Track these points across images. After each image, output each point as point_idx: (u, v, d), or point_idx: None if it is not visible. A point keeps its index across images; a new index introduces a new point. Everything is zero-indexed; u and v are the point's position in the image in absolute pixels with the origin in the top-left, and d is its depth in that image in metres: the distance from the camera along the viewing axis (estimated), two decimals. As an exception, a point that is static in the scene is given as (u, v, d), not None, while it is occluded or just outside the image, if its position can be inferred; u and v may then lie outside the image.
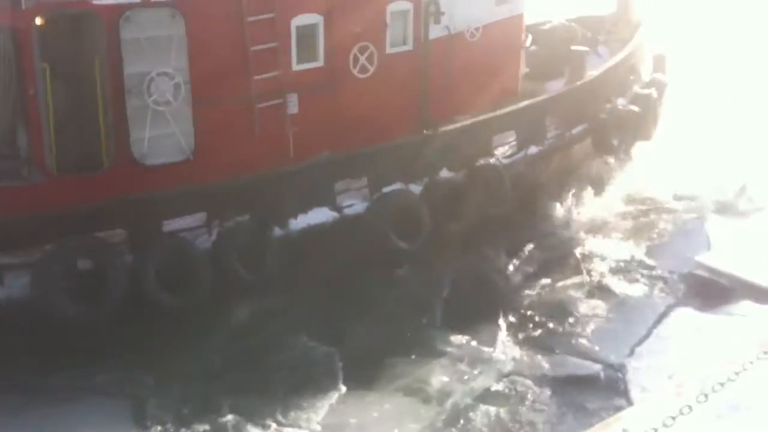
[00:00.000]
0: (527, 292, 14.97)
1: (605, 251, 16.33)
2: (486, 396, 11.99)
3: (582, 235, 17.12)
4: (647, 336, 13.43)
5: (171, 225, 12.83)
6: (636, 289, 15.02)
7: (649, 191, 19.53)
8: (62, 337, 11.52)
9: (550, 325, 13.90)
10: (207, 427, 11.22)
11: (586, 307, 14.44)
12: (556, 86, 19.04)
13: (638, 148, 20.37)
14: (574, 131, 17.82)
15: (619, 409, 11.33)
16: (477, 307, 14.35)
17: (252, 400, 11.65)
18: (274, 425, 11.34)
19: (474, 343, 13.22)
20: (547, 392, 12.11)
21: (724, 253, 15.87)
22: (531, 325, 13.90)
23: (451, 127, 15.79)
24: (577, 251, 16.38)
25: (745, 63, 29.38)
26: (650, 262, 15.96)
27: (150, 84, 12.81)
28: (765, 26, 33.15)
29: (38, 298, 11.50)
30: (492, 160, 15.83)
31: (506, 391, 12.15)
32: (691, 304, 14.50)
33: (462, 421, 11.46)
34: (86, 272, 12.03)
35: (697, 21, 32.85)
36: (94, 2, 12.52)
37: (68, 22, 12.17)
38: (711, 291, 14.80)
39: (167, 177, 13.02)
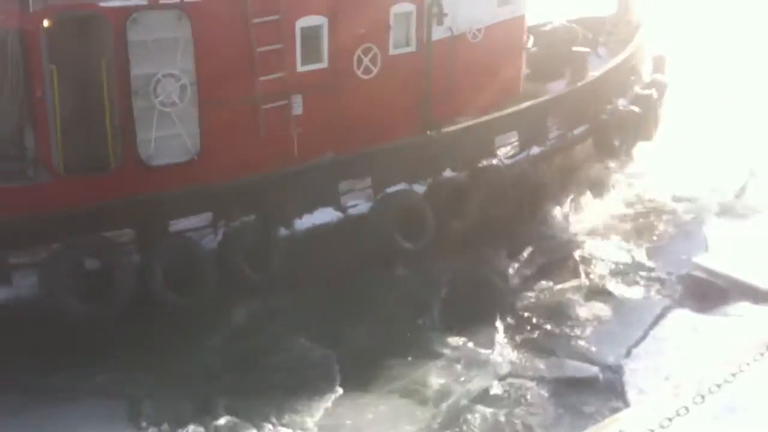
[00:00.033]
0: (525, 293, 14.97)
1: (603, 253, 16.37)
2: (482, 398, 11.97)
3: (580, 236, 17.15)
4: (644, 337, 13.41)
5: (177, 225, 12.91)
6: (633, 291, 15.05)
7: (648, 193, 19.60)
8: (62, 337, 11.59)
9: (548, 326, 13.89)
10: (203, 427, 11.24)
11: (584, 308, 14.45)
12: (557, 87, 19.14)
13: (639, 149, 20.50)
14: (575, 132, 17.92)
15: (615, 410, 11.36)
16: (475, 308, 14.35)
17: (249, 401, 11.67)
18: (269, 426, 11.36)
19: (471, 344, 13.22)
20: (544, 394, 12.10)
21: (722, 254, 15.89)
22: (528, 327, 13.90)
23: (453, 127, 15.89)
24: (576, 253, 16.41)
25: (744, 63, 29.46)
26: (648, 263, 16.00)
27: (156, 85, 12.91)
28: (763, 27, 33.24)
29: (46, 298, 11.58)
30: (495, 161, 15.91)
31: (503, 392, 12.13)
32: (688, 305, 14.50)
33: (458, 423, 11.44)
34: (93, 272, 12.11)
35: (696, 22, 32.94)
36: (101, 4, 12.63)
37: (75, 25, 12.25)
38: (708, 292, 14.80)
39: (173, 177, 13.11)
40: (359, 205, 14.48)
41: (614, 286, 15.19)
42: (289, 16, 14.17)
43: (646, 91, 19.78)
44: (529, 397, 12.03)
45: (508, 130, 16.66)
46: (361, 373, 12.37)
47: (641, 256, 16.29)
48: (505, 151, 16.63)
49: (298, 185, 13.84)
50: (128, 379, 12.09)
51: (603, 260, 16.10)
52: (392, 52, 15.70)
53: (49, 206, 12.06)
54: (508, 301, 14.69)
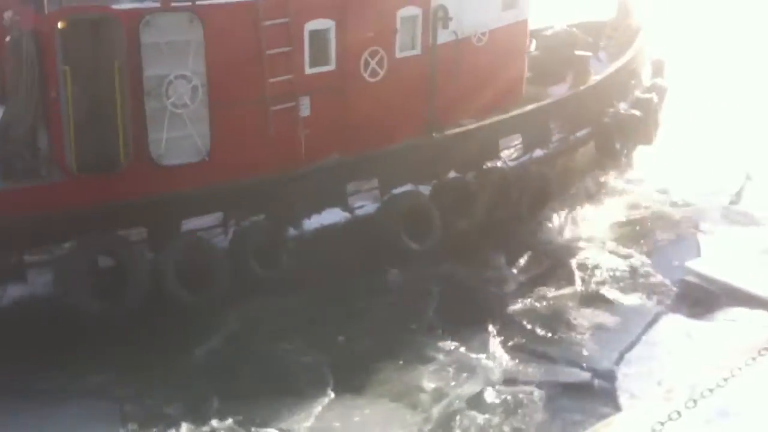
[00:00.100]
0: (519, 298, 14.98)
1: (598, 258, 16.42)
2: (474, 402, 11.94)
3: (577, 242, 17.22)
4: (637, 342, 13.38)
5: (188, 224, 13.07)
6: (627, 296, 15.05)
7: (645, 198, 19.72)
8: (56, 337, 11.69)
9: (541, 331, 13.91)
10: (194, 429, 11.29)
11: (577, 314, 14.47)
12: (558, 91, 19.33)
13: (638, 153, 20.68)
14: (578, 135, 18.11)
15: (608, 415, 11.40)
16: (468, 313, 14.39)
17: (240, 405, 11.68)
18: (259, 430, 11.40)
19: (463, 349, 13.22)
20: (536, 399, 12.07)
21: (716, 260, 15.96)
22: (521, 332, 13.92)
23: (459, 130, 16.08)
24: (571, 258, 16.47)
25: (741, 68, 29.66)
26: (642, 269, 16.04)
27: (168, 87, 13.06)
28: (761, 31, 33.48)
29: (61, 295, 11.72)
30: (499, 163, 16.11)
31: (494, 397, 12.09)
32: (681, 310, 14.52)
33: (449, 428, 11.44)
34: (106, 270, 12.27)
35: (694, 26, 33.13)
36: (115, 7, 12.80)
37: (89, 26, 12.34)
38: (701, 298, 14.82)
39: (183, 177, 13.28)
40: (366, 206, 14.65)
41: (608, 292, 15.23)
42: (298, 20, 14.33)
43: (647, 95, 19.96)
44: (521, 402, 12.01)
45: (511, 133, 16.86)
46: (352, 377, 12.39)
47: (636, 261, 16.33)
48: (508, 153, 16.80)
49: (307, 186, 14.01)
50: (121, 380, 12.15)
51: (598, 266, 16.13)
52: (398, 55, 15.85)
53: (62, 205, 12.21)
54: (502, 305, 14.72)
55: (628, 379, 12.34)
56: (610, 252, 16.72)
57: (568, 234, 17.41)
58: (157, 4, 13.03)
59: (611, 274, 15.82)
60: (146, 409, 11.63)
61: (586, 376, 12.69)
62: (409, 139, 15.53)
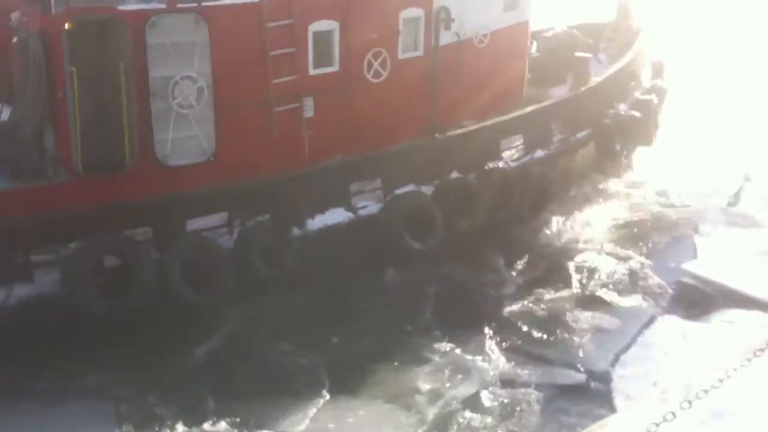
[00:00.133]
0: (516, 300, 15.01)
1: (595, 260, 16.46)
2: (469, 403, 11.93)
3: (574, 244, 17.27)
4: (633, 344, 13.40)
5: (193, 224, 13.15)
6: (623, 298, 15.08)
7: (642, 200, 19.80)
8: (54, 338, 11.74)
9: (537, 333, 13.91)
10: (188, 430, 11.34)
11: (573, 315, 14.49)
12: (558, 92, 19.45)
13: (637, 155, 20.77)
14: (578, 136, 18.22)
15: (603, 416, 11.40)
16: (465, 315, 14.42)
17: (237, 406, 11.66)
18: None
19: (459, 350, 13.23)
20: (532, 400, 12.07)
21: (712, 261, 16.02)
22: (517, 333, 13.91)
23: (461, 130, 16.18)
24: (567, 260, 16.50)
25: (741, 69, 29.75)
26: (639, 271, 16.09)
27: (174, 87, 13.14)
28: (760, 33, 33.59)
29: (68, 294, 11.81)
30: (501, 164, 16.22)
31: (489, 399, 12.08)
32: (677, 311, 14.55)
33: (443, 429, 11.44)
34: (112, 269, 12.35)
35: (693, 28, 33.20)
36: (121, 8, 12.87)
37: (96, 27, 12.39)
38: (697, 299, 14.88)
39: (188, 177, 13.36)
40: (369, 206, 14.75)
41: (604, 293, 15.25)
42: (302, 21, 14.43)
43: (647, 97, 20.07)
44: (516, 403, 12.00)
45: (513, 134, 16.97)
46: (348, 378, 12.40)
47: (633, 263, 16.37)
48: (510, 154, 16.91)
49: (311, 186, 14.10)
50: (120, 380, 12.17)
51: (595, 267, 16.17)
52: (401, 56, 15.96)
53: (68, 205, 12.28)
54: (499, 307, 14.75)
55: (624, 381, 12.37)
56: (607, 254, 16.77)
57: (566, 236, 17.46)
58: (163, 6, 13.11)
59: (608, 275, 15.86)
60: (144, 410, 11.66)
61: (581, 377, 12.72)
62: (411, 140, 15.61)
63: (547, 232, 17.43)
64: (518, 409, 11.89)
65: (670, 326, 13.97)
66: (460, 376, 12.60)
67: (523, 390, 12.32)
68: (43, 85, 12.45)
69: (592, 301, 15.00)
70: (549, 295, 15.20)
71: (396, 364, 12.86)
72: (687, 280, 15.43)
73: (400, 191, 14.97)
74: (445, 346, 13.39)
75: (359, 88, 15.37)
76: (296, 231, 13.89)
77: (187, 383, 12.23)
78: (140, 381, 12.12)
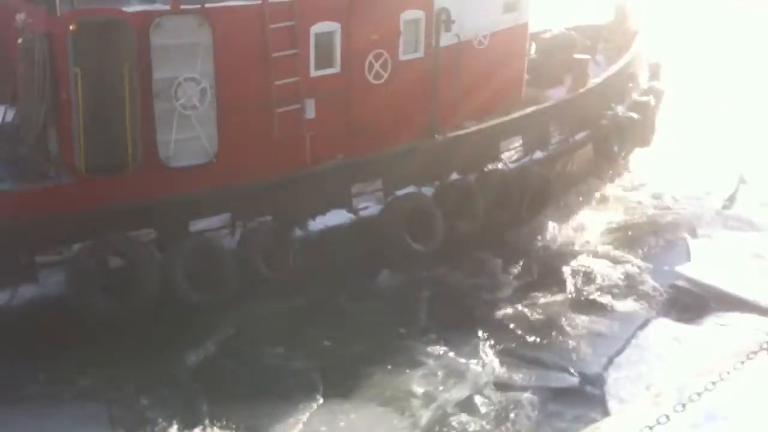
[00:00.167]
0: (510, 303, 15.05)
1: (589, 263, 16.52)
2: (462, 407, 11.97)
3: (568, 246, 17.30)
4: (626, 347, 13.49)
5: (196, 225, 13.20)
6: (617, 301, 15.18)
7: (637, 202, 19.89)
8: (47, 340, 11.76)
9: (531, 336, 13.96)
10: None
11: (567, 318, 14.52)
12: (556, 93, 19.55)
13: (634, 156, 20.87)
14: (577, 137, 18.32)
15: (596, 419, 11.53)
16: (458, 318, 14.45)
17: (229, 410, 11.73)
18: None
19: (452, 354, 13.25)
20: (526, 404, 12.11)
21: (706, 264, 16.13)
22: (511, 337, 13.94)
23: (461, 132, 16.26)
24: (562, 263, 16.54)
25: (737, 70, 29.88)
26: (633, 273, 16.16)
27: (177, 88, 13.17)
28: (755, 35, 33.73)
29: (74, 295, 11.85)
30: (500, 165, 16.30)
31: (483, 402, 12.11)
32: (671, 315, 14.66)
33: None
34: (116, 270, 12.40)
35: (690, 30, 33.33)
36: (125, 9, 12.90)
37: (100, 28, 12.42)
38: (691, 302, 15.01)
39: (190, 179, 13.40)
40: (370, 207, 14.81)
41: (598, 296, 15.33)
42: (304, 22, 14.48)
43: (644, 98, 20.17)
44: (509, 406, 12.04)
45: (512, 135, 17.05)
46: (341, 382, 12.41)
47: (627, 266, 16.44)
48: (509, 155, 17.00)
49: (313, 187, 14.16)
50: (114, 382, 12.16)
51: (589, 271, 16.23)
52: (402, 57, 16.03)
53: (71, 206, 12.31)
54: (493, 310, 14.76)
55: (617, 384, 12.45)
56: (602, 257, 16.84)
57: (560, 239, 17.48)
58: (167, 7, 13.14)
59: (602, 279, 15.93)
60: (136, 413, 11.68)
61: (575, 380, 12.79)
62: (412, 141, 15.68)
63: (542, 234, 17.45)
64: (512, 412, 11.94)
65: (663, 329, 14.08)
66: (453, 379, 12.63)
67: (516, 393, 12.38)
68: (48, 86, 12.47)
69: (586, 304, 15.09)
70: (543, 298, 15.25)
71: (389, 367, 12.89)
72: (681, 283, 15.58)
73: (400, 192, 14.99)
74: (439, 349, 13.43)
75: (360, 89, 15.43)
76: (298, 232, 13.90)
77: (181, 386, 12.26)
78: (134, 383, 12.14)
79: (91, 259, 12.05)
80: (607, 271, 16.17)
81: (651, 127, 20.07)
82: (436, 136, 15.98)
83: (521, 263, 16.43)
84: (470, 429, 11.52)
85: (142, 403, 11.84)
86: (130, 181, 12.92)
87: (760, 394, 10.18)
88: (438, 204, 15.22)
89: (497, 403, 12.10)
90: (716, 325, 14.11)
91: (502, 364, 13.10)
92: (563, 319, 14.48)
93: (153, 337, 12.40)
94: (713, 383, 9.06)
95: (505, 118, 16.93)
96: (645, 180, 20.94)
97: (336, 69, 15.19)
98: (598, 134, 18.70)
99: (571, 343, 13.78)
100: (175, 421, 11.47)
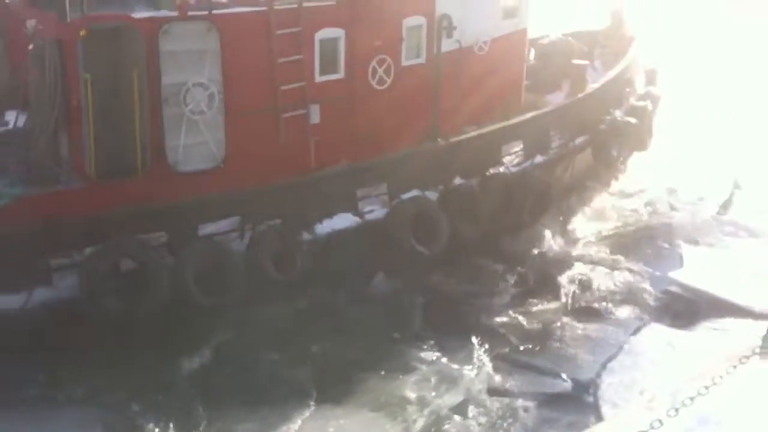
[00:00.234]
0: (503, 308, 15.13)
1: (583, 269, 16.64)
2: (455, 413, 11.98)
3: (563, 253, 17.41)
4: (620, 352, 13.51)
5: (206, 229, 13.33)
6: (611, 307, 15.29)
7: (633, 207, 20.07)
8: (44, 344, 11.84)
9: (525, 342, 14.02)
10: None
11: (561, 324, 14.60)
12: (555, 98, 19.76)
13: (631, 161, 21.06)
14: (576, 141, 18.52)
15: (590, 425, 11.50)
16: (452, 324, 14.48)
17: (222, 415, 11.77)
18: None
19: (446, 359, 13.29)
20: (518, 409, 12.13)
21: (699, 270, 16.21)
22: (505, 342, 13.97)
23: (464, 136, 16.44)
24: (556, 269, 16.63)
25: (732, 77, 30.09)
26: (627, 279, 16.28)
27: (186, 94, 13.33)
28: (750, 41, 33.98)
29: (87, 298, 11.97)
30: (502, 169, 16.49)
31: (476, 407, 12.12)
32: (664, 320, 14.76)
33: None
34: (127, 272, 12.52)
35: (685, 36, 33.54)
36: (134, 16, 13.04)
37: (110, 35, 12.54)
38: (684, 307, 15.10)
39: (198, 183, 13.54)
40: (375, 211, 14.97)
41: (592, 302, 15.44)
42: (310, 28, 14.65)
43: (642, 103, 20.39)
44: (503, 412, 12.06)
45: (514, 139, 17.24)
46: (334, 388, 12.44)
47: (621, 272, 16.56)
48: (510, 159, 17.18)
49: (320, 191, 14.32)
50: (108, 387, 12.22)
51: (583, 277, 16.35)
52: (404, 63, 16.22)
53: (83, 210, 12.41)
54: (487, 316, 14.82)
55: (611, 389, 12.48)
56: (597, 263, 16.97)
57: (554, 245, 17.60)
58: (175, 13, 13.29)
59: (596, 285, 16.06)
60: (130, 418, 11.73)
61: (568, 386, 12.85)
62: (415, 146, 15.85)
63: (538, 241, 17.54)
64: (505, 418, 12.00)
65: (657, 335, 14.16)
66: (447, 384, 12.70)
67: (510, 399, 12.43)
68: (58, 91, 12.60)
69: (580, 310, 15.20)
70: (538, 304, 15.37)
71: (383, 372, 12.95)
72: (674, 288, 15.69)
73: (405, 196, 15.14)
74: (433, 354, 13.50)
75: (364, 94, 15.61)
76: (306, 235, 14.04)
77: (175, 392, 12.32)
78: (128, 389, 12.20)
79: (103, 263, 12.15)
80: (601, 278, 16.31)
81: (648, 131, 20.26)
82: (439, 140, 16.14)
83: (517, 269, 16.51)
84: (462, 434, 11.58)
85: (136, 408, 11.89)
86: (140, 186, 13.05)
87: (752, 399, 10.05)
88: (442, 208, 15.34)
89: (491, 408, 12.14)
90: (710, 330, 14.20)
91: (496, 369, 13.17)
92: (557, 325, 14.59)
93: (153, 339, 12.47)
94: (706, 388, 9.12)
95: (507, 123, 17.11)
96: (641, 185, 21.11)
97: (340, 75, 15.38)
98: (597, 139, 18.89)
99: (566, 348, 13.87)
100: (168, 428, 11.54)
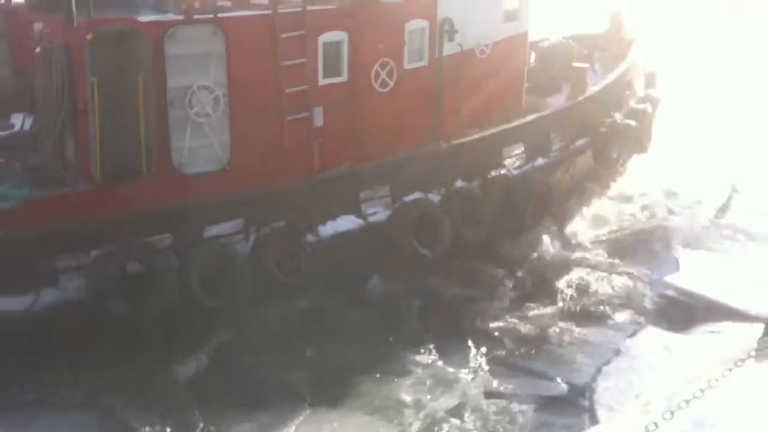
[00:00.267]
0: (500, 312, 15.14)
1: (580, 273, 16.66)
2: (451, 416, 11.96)
3: (560, 256, 17.44)
4: (616, 355, 13.53)
5: (211, 231, 13.42)
6: (607, 310, 15.31)
7: (631, 211, 20.15)
8: (34, 349, 11.90)
9: (521, 345, 14.03)
10: None
11: (557, 328, 14.61)
12: (556, 101, 19.88)
13: (630, 165, 21.15)
14: (577, 144, 18.63)
15: (586, 428, 11.55)
16: (448, 327, 14.52)
17: (218, 419, 11.77)
18: None
19: (441, 362, 13.27)
20: (514, 412, 12.13)
21: (695, 274, 16.27)
22: (501, 346, 13.98)
23: (466, 139, 16.55)
24: (553, 273, 16.64)
25: (732, 80, 30.18)
26: (623, 283, 16.32)
27: (191, 97, 13.42)
28: (749, 44, 34.08)
29: (93, 300, 12.06)
30: (503, 171, 16.60)
31: (472, 410, 12.09)
32: (660, 323, 14.79)
33: None
34: (133, 275, 12.61)
35: (685, 39, 33.63)
36: (140, 19, 13.13)
37: (116, 38, 12.61)
38: (680, 311, 15.14)
39: (203, 185, 13.63)
40: (378, 213, 15.06)
41: (588, 306, 15.46)
42: (313, 32, 14.74)
43: (641, 106, 20.51)
44: (498, 415, 12.06)
45: (515, 142, 17.35)
46: (329, 391, 12.44)
47: (618, 276, 16.59)
48: (511, 162, 17.29)
49: (324, 194, 14.42)
50: (102, 390, 12.26)
51: (580, 280, 16.37)
52: (407, 66, 16.32)
53: (88, 213, 12.51)
54: (484, 320, 14.82)
55: (607, 393, 12.51)
56: (593, 266, 17.01)
57: (552, 249, 17.64)
58: (181, 17, 13.38)
59: (593, 288, 16.09)
60: (126, 421, 11.75)
61: (564, 389, 12.87)
62: (417, 148, 15.96)
63: (536, 243, 17.58)
64: (501, 421, 12.01)
65: (653, 338, 14.21)
66: (443, 387, 12.68)
67: (506, 402, 12.44)
68: (65, 94, 12.68)
69: (576, 314, 15.25)
70: (534, 307, 15.40)
71: (378, 375, 12.96)
72: (670, 292, 15.75)
73: (408, 199, 15.24)
74: (428, 358, 13.51)
75: (367, 97, 15.70)
76: (310, 237, 14.14)
77: (171, 395, 12.34)
78: (124, 392, 12.23)
79: (110, 265, 12.24)
80: (598, 281, 16.35)
81: (648, 133, 20.38)
82: (441, 142, 16.25)
83: (514, 273, 16.56)
84: (457, 437, 11.62)
85: (132, 411, 11.93)
86: (145, 188, 13.12)
87: (747, 401, 10.21)
88: (444, 210, 15.45)
89: (487, 412, 12.14)
90: (706, 333, 14.25)
91: (492, 372, 13.17)
92: (553, 328, 14.61)
93: (153, 341, 12.50)
94: (702, 391, 9.21)
95: (508, 126, 17.22)
96: (639, 188, 21.19)
97: (343, 77, 15.47)
98: (597, 141, 19.00)
99: (562, 352, 13.89)
100: (164, 430, 11.57)
